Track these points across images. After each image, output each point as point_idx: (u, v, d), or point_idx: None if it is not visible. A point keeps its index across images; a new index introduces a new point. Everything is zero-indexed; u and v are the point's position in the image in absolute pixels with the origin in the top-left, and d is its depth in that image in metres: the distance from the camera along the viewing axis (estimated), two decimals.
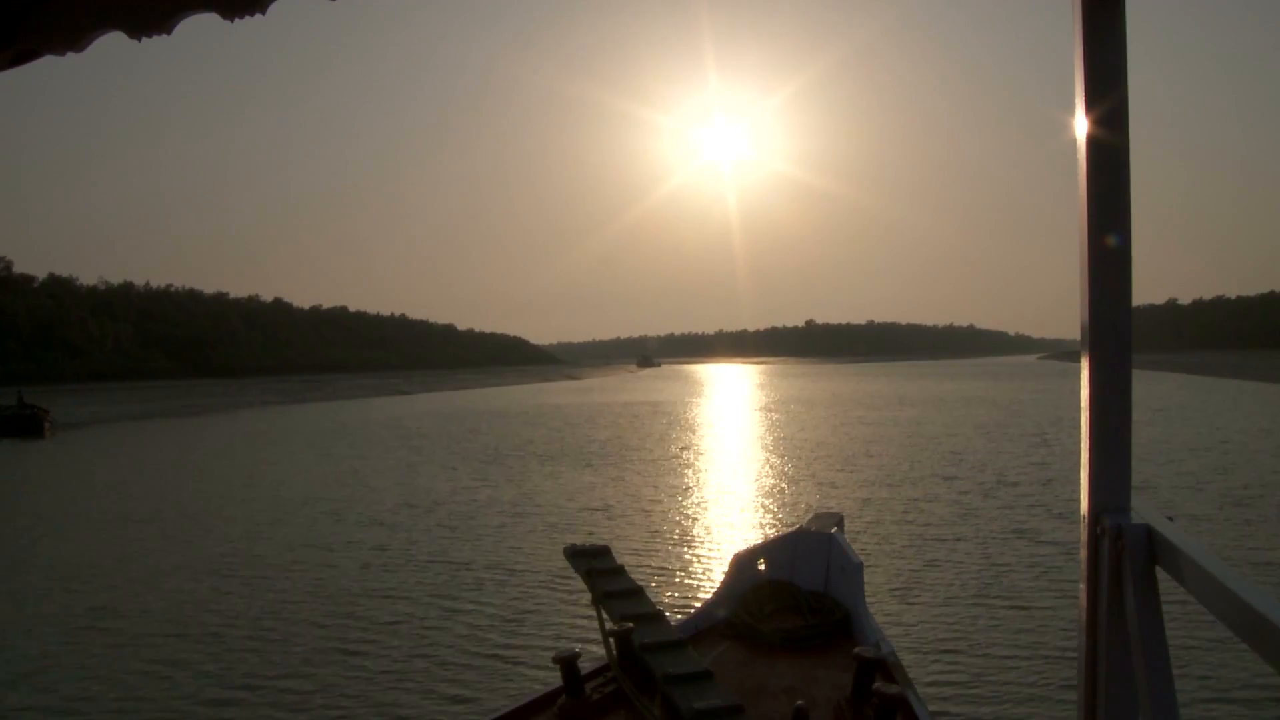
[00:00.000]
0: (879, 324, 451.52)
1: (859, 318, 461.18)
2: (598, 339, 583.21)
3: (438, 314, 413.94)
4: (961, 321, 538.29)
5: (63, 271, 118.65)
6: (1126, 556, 1.71)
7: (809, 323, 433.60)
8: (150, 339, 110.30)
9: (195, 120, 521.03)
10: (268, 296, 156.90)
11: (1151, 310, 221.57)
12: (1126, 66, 1.79)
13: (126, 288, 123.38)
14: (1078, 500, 1.90)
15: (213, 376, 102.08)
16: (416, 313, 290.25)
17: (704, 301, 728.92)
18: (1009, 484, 19.92)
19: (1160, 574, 1.69)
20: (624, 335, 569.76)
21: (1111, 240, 1.80)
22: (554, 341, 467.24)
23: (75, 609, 11.23)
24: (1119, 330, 1.82)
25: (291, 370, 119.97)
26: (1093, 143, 1.80)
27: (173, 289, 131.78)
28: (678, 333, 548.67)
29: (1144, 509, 1.81)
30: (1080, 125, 1.82)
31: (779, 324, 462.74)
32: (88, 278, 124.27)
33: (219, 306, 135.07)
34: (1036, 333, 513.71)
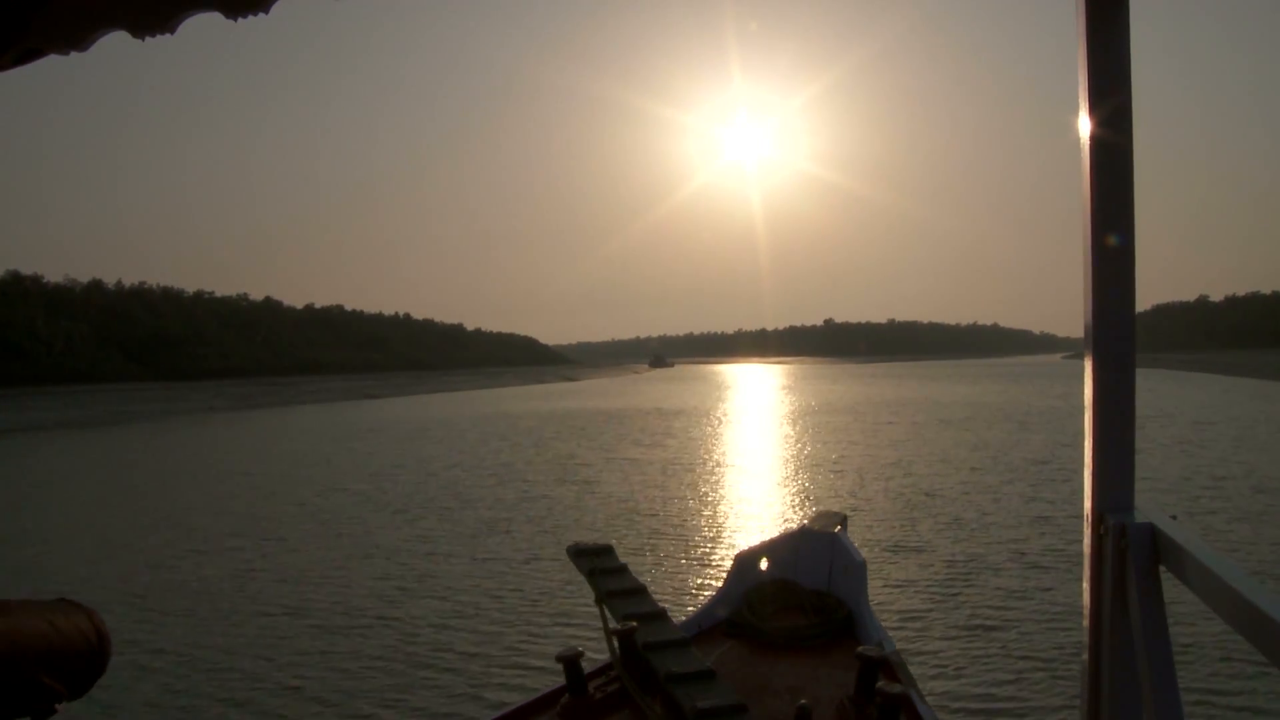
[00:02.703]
0: (900, 323, 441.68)
1: (880, 316, 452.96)
2: (618, 338, 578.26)
3: (459, 315, 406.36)
4: (985, 320, 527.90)
5: (60, 273, 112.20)
6: (1130, 555, 1.71)
7: (828, 321, 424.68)
8: (109, 339, 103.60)
9: (214, 122, 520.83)
10: (260, 296, 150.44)
11: (1180, 308, 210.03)
12: (1130, 66, 1.77)
13: (94, 286, 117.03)
14: (1080, 503, 1.87)
15: (172, 379, 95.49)
16: (438, 314, 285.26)
17: (725, 300, 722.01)
18: (1011, 484, 19.40)
19: (1164, 573, 1.69)
20: (644, 335, 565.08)
21: (1114, 240, 1.80)
22: (574, 341, 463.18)
23: None
24: (1122, 329, 1.83)
25: (265, 372, 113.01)
26: (1096, 142, 1.80)
27: (145, 287, 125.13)
28: (697, 332, 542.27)
29: (1148, 508, 1.81)
30: (1084, 125, 1.82)
31: (799, 323, 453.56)
32: (54, 276, 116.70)
33: (195, 305, 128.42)
34: (1061, 331, 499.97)
